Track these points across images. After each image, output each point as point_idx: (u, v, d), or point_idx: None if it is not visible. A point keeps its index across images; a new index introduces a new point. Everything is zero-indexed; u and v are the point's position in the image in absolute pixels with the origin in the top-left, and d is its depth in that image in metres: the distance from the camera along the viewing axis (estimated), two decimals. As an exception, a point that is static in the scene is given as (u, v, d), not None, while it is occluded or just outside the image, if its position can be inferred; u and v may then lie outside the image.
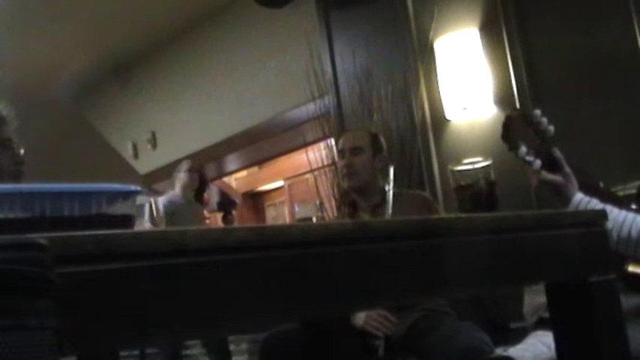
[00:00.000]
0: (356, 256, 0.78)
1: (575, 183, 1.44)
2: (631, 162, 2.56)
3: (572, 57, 2.95)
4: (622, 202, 1.48)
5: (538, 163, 1.42)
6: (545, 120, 1.44)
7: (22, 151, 1.78)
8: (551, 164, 1.44)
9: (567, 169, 1.45)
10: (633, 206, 1.48)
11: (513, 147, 1.43)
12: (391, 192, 2.20)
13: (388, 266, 0.81)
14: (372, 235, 0.81)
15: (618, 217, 1.39)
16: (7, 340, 0.47)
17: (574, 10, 2.96)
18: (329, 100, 3.64)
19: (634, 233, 1.38)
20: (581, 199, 1.43)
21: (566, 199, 1.43)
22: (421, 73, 3.29)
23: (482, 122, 3.12)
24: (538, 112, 1.45)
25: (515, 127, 1.44)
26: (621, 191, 1.66)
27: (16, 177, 1.71)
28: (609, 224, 1.33)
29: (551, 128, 1.44)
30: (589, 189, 1.47)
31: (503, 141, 1.45)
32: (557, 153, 1.44)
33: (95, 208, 0.76)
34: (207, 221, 6.16)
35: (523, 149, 1.41)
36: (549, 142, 1.44)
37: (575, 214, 1.28)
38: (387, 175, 2.27)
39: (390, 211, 2.16)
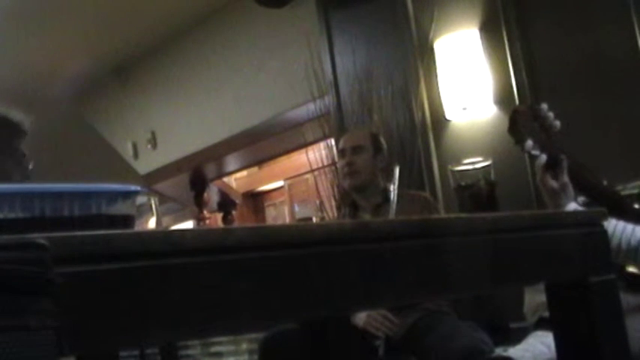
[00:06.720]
0: (356, 256, 0.78)
1: (570, 193, 1.45)
2: (631, 162, 2.55)
3: (572, 57, 2.94)
4: (623, 201, 1.48)
5: (543, 157, 1.42)
6: (551, 115, 1.44)
7: (30, 166, 1.74)
8: (555, 163, 1.45)
9: (566, 178, 1.45)
10: (636, 206, 1.48)
11: (520, 141, 1.43)
12: (396, 192, 2.20)
13: (388, 266, 0.81)
14: (372, 235, 0.81)
15: (626, 229, 1.40)
16: (7, 340, 0.47)
17: (574, 10, 2.96)
18: (329, 100, 3.64)
19: (633, 242, 1.38)
20: (575, 209, 1.44)
21: (559, 208, 1.44)
22: (421, 73, 3.29)
23: (482, 122, 3.12)
24: (545, 106, 1.46)
25: (521, 121, 1.44)
26: (622, 191, 1.66)
27: None
28: (614, 241, 1.35)
29: (557, 123, 1.45)
30: (592, 188, 1.48)
31: (510, 134, 1.46)
32: (563, 162, 1.45)
33: (95, 208, 0.76)
34: (207, 221, 6.16)
35: (529, 143, 1.41)
36: (555, 137, 1.45)
37: (575, 214, 1.28)
38: (391, 175, 2.28)
39: (393, 211, 2.16)
